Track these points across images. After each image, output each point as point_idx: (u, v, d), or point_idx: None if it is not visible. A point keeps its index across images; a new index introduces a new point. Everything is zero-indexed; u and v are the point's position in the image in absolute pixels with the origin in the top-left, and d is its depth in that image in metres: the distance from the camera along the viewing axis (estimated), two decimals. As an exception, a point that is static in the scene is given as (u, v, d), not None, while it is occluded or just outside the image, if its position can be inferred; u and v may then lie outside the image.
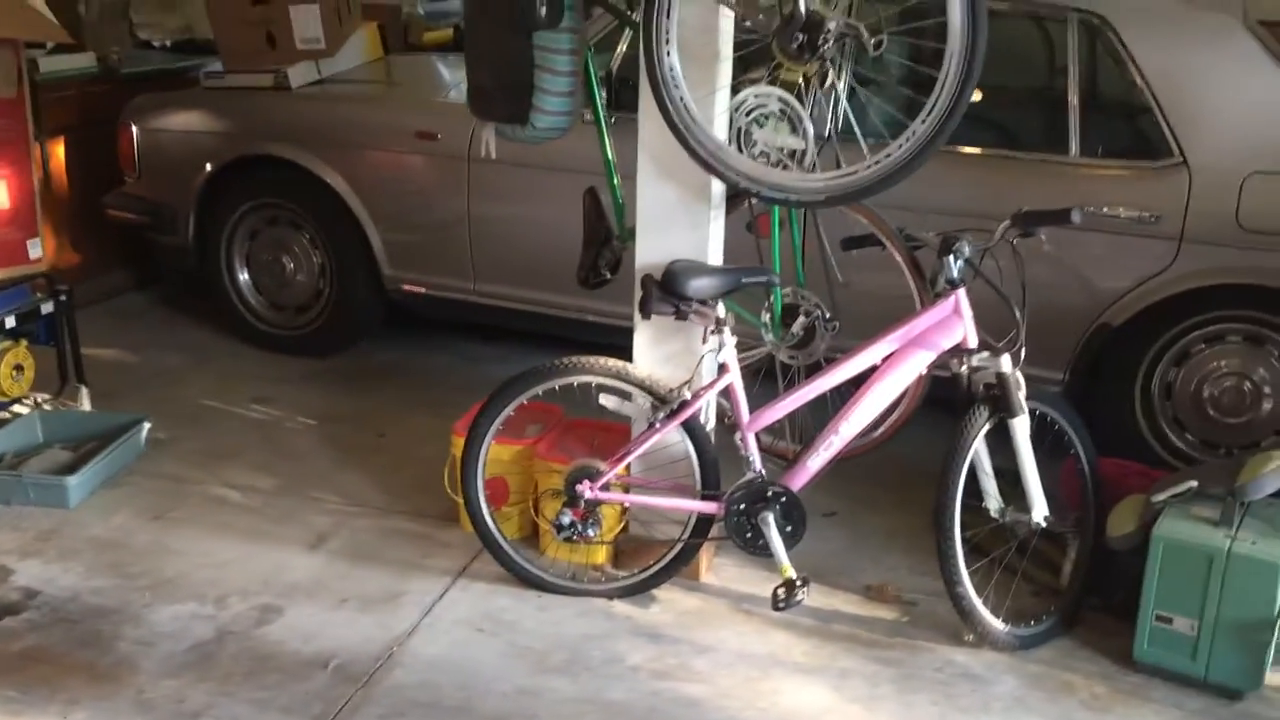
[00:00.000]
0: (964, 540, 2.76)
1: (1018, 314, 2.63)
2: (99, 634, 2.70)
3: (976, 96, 3.68)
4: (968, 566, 2.76)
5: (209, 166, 4.37)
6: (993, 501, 2.79)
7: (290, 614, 2.81)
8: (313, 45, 4.47)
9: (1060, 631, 2.82)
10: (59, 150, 4.80)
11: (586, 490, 2.80)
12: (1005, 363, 2.67)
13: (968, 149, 3.50)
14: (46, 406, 3.71)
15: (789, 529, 2.77)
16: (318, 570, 3.01)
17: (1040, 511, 2.74)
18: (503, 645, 2.72)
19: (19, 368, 3.70)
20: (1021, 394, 2.69)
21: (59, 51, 4.72)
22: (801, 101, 2.65)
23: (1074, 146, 3.37)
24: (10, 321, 3.64)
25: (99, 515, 3.25)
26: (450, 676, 2.59)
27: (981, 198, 3.31)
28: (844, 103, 2.48)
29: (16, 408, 3.69)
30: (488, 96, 2.95)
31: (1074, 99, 3.35)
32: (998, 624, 2.75)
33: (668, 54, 2.60)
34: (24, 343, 3.72)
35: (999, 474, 2.79)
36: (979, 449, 2.73)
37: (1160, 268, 3.28)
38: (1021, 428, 2.68)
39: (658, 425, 2.76)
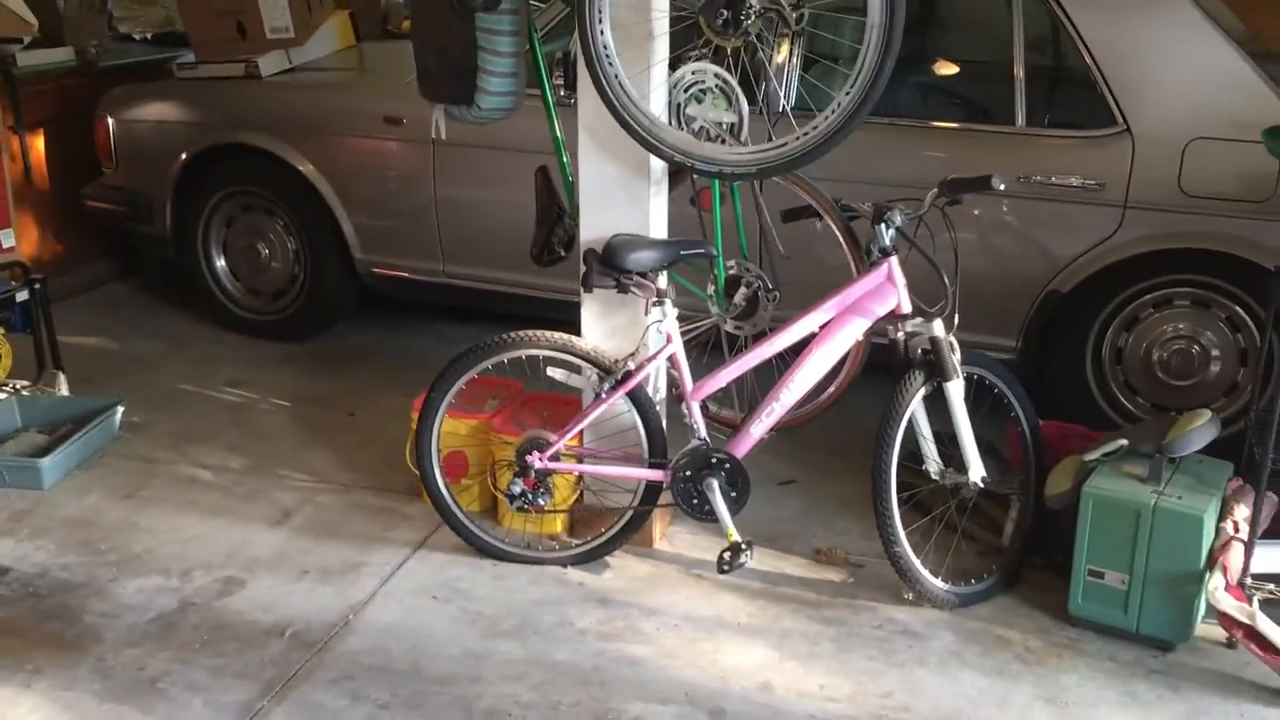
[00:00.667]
0: (906, 501, 2.84)
1: (946, 280, 2.69)
2: (65, 607, 2.79)
3: (950, 70, 3.80)
4: (914, 527, 2.83)
5: (183, 156, 4.45)
6: (932, 464, 2.86)
7: (252, 586, 2.90)
8: (282, 34, 4.54)
9: (1001, 589, 2.89)
10: (39, 143, 4.88)
11: (536, 460, 2.88)
12: (938, 328, 2.73)
13: (915, 122, 3.56)
14: (24, 392, 3.79)
15: (733, 494, 2.84)
16: (281, 544, 3.10)
17: (977, 472, 2.80)
18: (456, 612, 2.80)
19: (-4, 355, 3.81)
20: (956, 358, 2.75)
21: (37, 46, 4.81)
22: (732, 74, 2.71)
23: (1019, 117, 3.41)
24: (-16, 310, 3.74)
25: (72, 495, 3.34)
26: (402, 642, 2.67)
27: (930, 170, 3.36)
28: (769, 78, 2.54)
29: (-5, 395, 3.78)
30: (434, 78, 3.01)
31: (1019, 70, 3.40)
32: (937, 582, 2.82)
33: (602, 31, 2.66)
34: (0, 331, 3.82)
35: (945, 437, 2.86)
36: (916, 412, 2.80)
37: (1106, 234, 3.33)
38: (956, 391, 2.74)
39: (603, 396, 2.84)
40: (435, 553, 3.06)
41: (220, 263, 4.61)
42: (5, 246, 3.72)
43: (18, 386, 3.81)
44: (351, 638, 2.69)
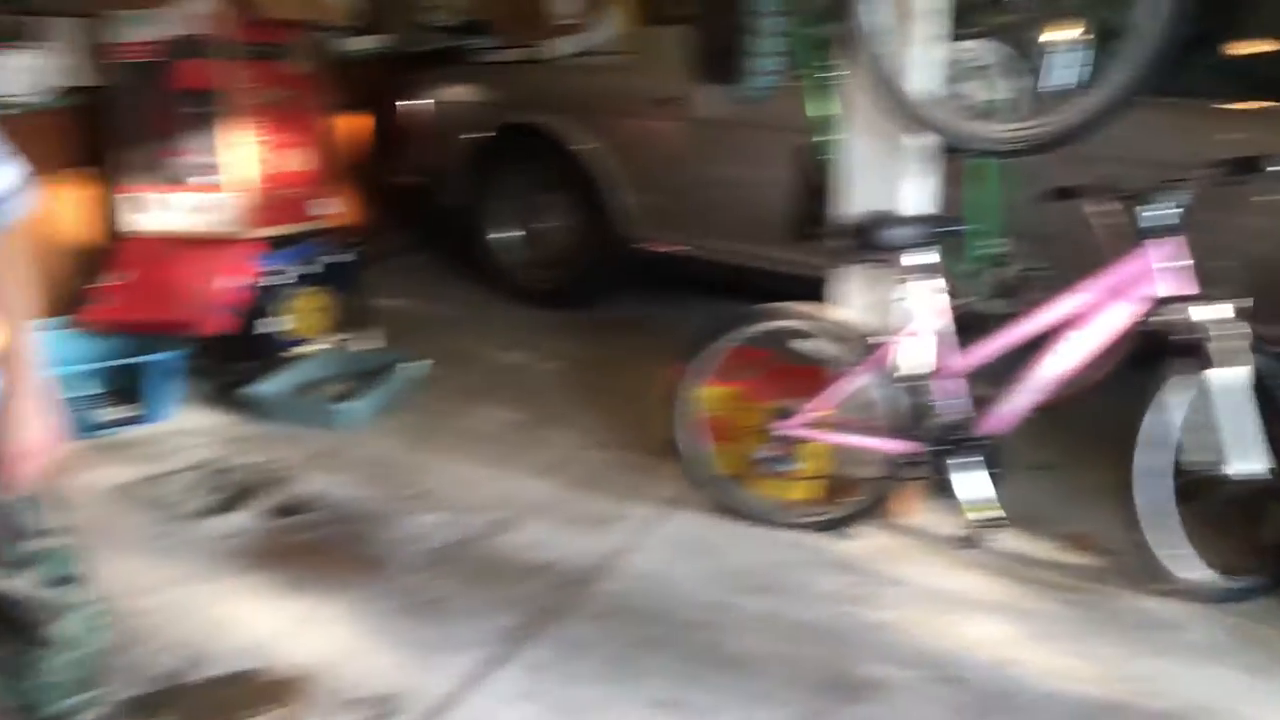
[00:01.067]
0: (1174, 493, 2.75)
1: (1219, 266, 2.59)
2: (363, 534, 3.16)
3: (1240, 46, 3.59)
4: (1179, 519, 2.75)
5: (476, 134, 4.84)
6: (1197, 454, 2.75)
7: (521, 528, 3.18)
8: (569, 20, 4.85)
9: (1267, 589, 2.76)
10: (352, 122, 5.41)
11: (785, 428, 3.00)
12: (1206, 314, 2.62)
13: (1198, 101, 3.39)
14: (340, 345, 4.27)
15: (985, 472, 2.85)
16: (549, 493, 3.37)
17: (1242, 466, 2.67)
18: (704, 566, 2.97)
19: (319, 311, 4.30)
20: (1229, 346, 2.63)
21: (355, 33, 5.34)
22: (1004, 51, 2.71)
23: (1321, 93, 3.21)
24: (312, 270, 4.21)
25: (373, 438, 3.75)
26: (654, 587, 2.87)
27: (1213, 152, 3.21)
28: (1038, 55, 2.52)
29: (315, 345, 4.26)
30: (706, 60, 3.18)
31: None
32: (1196, 575, 2.73)
33: (867, 11, 2.73)
34: (324, 289, 4.31)
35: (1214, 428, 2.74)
36: (1181, 400, 2.70)
37: None
38: (1220, 380, 2.63)
39: (853, 368, 2.92)
40: (686, 510, 3.24)
41: (505, 235, 4.98)
42: (326, 214, 4.19)
43: (335, 340, 4.29)
44: (608, 580, 2.91)
